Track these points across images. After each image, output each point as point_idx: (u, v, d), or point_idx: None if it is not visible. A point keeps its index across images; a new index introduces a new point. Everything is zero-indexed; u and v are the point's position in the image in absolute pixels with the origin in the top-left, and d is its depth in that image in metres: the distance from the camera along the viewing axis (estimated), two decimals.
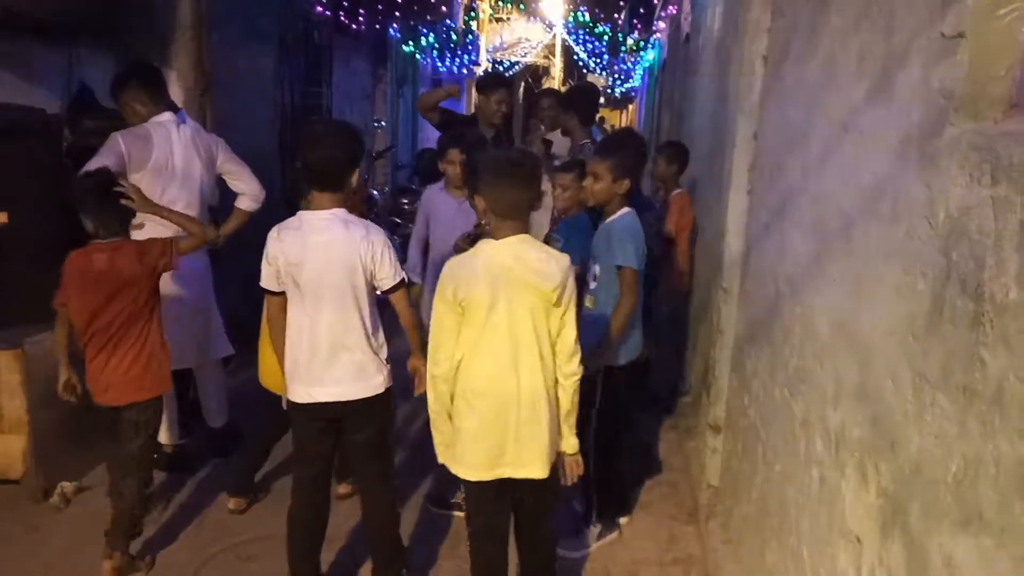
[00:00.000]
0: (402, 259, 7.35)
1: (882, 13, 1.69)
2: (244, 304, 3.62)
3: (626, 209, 3.04)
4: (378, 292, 2.59)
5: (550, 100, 5.00)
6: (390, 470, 2.80)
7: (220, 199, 3.94)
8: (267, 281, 2.53)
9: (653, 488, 3.76)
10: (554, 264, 2.27)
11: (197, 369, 3.84)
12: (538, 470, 2.33)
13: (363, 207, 3.43)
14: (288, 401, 2.63)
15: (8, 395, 3.31)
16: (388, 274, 2.55)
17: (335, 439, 2.69)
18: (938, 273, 1.33)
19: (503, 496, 2.41)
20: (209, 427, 3.93)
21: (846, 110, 1.89)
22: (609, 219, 3.05)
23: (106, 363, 2.84)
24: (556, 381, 2.35)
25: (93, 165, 3.31)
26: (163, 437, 3.71)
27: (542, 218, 3.54)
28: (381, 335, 2.64)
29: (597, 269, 3.05)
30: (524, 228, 2.30)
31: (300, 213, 2.53)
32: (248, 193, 3.74)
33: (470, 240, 3.20)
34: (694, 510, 3.51)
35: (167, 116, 3.53)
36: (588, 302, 3.06)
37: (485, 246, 2.30)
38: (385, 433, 2.73)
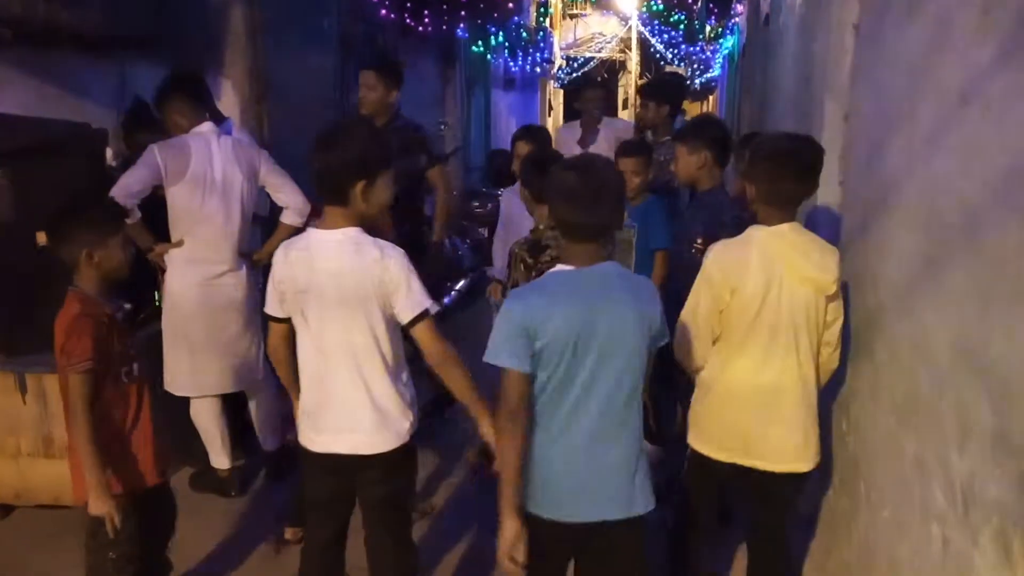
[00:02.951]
0: (474, 263, 7.21)
1: None
2: None
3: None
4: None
5: (595, 92, 5.08)
6: (409, 530, 2.39)
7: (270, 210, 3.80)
8: (270, 306, 2.21)
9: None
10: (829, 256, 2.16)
11: (248, 392, 3.70)
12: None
13: (389, 224, 2.95)
14: (300, 447, 2.27)
15: (57, 421, 3.21)
16: (407, 304, 2.06)
17: (353, 498, 2.27)
18: None
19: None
20: (263, 450, 3.78)
21: (965, 77, 1.50)
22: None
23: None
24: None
25: (127, 177, 3.20)
26: (216, 462, 3.59)
27: None
28: (406, 374, 2.21)
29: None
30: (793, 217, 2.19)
31: (309, 231, 2.15)
32: (292, 207, 3.55)
33: (527, 246, 2.92)
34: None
35: (207, 127, 3.40)
36: None
37: (756, 232, 2.18)
38: (407, 492, 2.31)
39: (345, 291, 2.05)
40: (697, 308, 2.23)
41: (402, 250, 2.10)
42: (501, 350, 1.77)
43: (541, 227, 2.96)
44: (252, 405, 3.74)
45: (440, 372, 2.12)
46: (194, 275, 3.40)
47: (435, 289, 2.58)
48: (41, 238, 3.24)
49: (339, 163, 2.02)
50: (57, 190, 3.26)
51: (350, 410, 2.13)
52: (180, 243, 3.38)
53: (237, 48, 4.72)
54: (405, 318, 2.07)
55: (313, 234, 2.12)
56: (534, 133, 4.10)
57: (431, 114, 9.93)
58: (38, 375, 3.18)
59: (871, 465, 2.10)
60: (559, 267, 1.88)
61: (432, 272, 3.73)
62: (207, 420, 3.54)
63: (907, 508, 1.73)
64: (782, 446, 2.21)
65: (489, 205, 8.54)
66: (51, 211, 2.33)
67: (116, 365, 2.30)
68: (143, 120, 4.24)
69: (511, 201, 3.69)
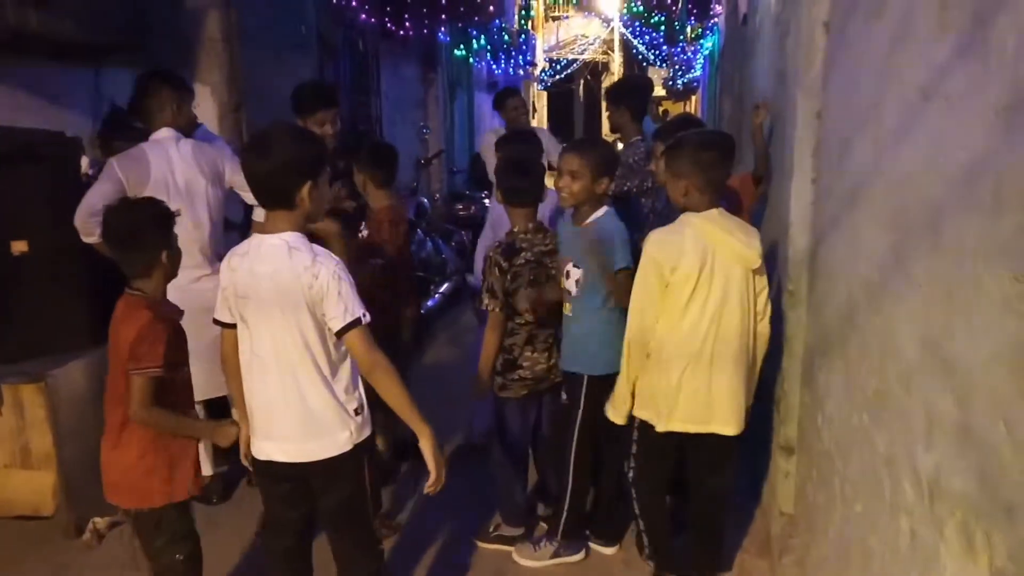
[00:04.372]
0: (456, 266, 7.17)
1: None
2: None
3: (606, 208, 2.90)
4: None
5: (517, 100, 5.15)
6: (370, 537, 2.34)
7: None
8: (219, 311, 2.20)
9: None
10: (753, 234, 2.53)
11: None
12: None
13: (337, 225, 2.91)
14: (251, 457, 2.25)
15: (34, 430, 3.20)
16: (337, 313, 2.01)
17: (307, 506, 2.26)
18: None
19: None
20: None
21: (926, 73, 1.51)
22: (591, 219, 2.85)
23: (103, 445, 2.37)
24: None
25: (91, 196, 3.17)
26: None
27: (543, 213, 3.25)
28: (348, 382, 2.16)
29: (580, 275, 2.83)
30: (719, 203, 2.53)
31: (253, 236, 2.13)
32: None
33: (502, 250, 2.92)
34: (766, 541, 3.12)
35: (164, 133, 3.37)
36: (567, 309, 2.92)
37: (689, 218, 2.50)
38: (357, 500, 2.25)
39: (278, 296, 2.02)
40: (647, 280, 2.51)
41: (337, 259, 2.07)
42: None
43: (516, 230, 2.96)
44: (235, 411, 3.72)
45: (371, 381, 2.10)
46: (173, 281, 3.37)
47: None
48: (17, 247, 3.24)
49: (284, 167, 1.99)
50: (30, 199, 3.25)
51: (285, 417, 2.11)
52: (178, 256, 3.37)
53: (213, 55, 4.68)
54: (335, 326, 2.04)
55: (255, 239, 2.10)
56: (526, 138, 4.05)
57: (413, 117, 9.92)
58: (14, 386, 3.16)
59: (845, 460, 2.11)
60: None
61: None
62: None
63: (878, 502, 1.74)
64: (727, 410, 2.55)
65: (472, 208, 8.55)
66: (116, 220, 2.29)
67: (174, 369, 2.33)
68: (119, 127, 4.22)
69: (495, 206, 3.68)
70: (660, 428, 2.60)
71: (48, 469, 3.21)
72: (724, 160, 2.53)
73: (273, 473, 2.20)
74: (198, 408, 3.45)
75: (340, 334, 2.05)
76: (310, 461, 2.13)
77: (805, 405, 2.81)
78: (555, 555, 3.03)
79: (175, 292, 3.35)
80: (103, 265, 3.50)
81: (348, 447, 2.14)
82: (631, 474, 2.78)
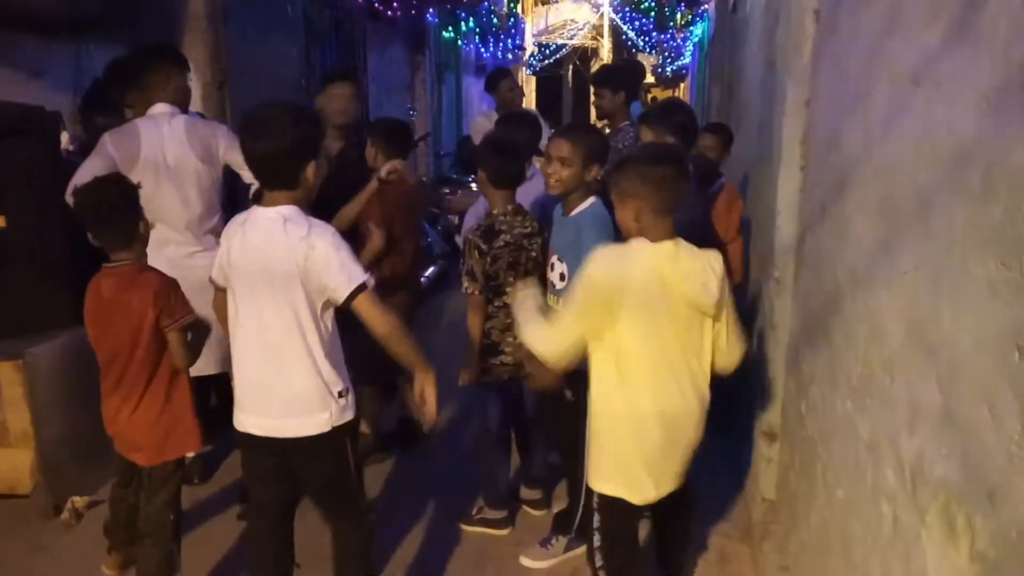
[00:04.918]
0: (443, 250, 7.12)
1: None
2: None
3: (593, 199, 2.67)
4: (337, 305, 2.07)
5: (511, 82, 5.08)
6: (357, 510, 2.33)
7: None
8: (214, 272, 2.21)
9: (704, 497, 3.40)
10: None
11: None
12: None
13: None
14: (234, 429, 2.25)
15: (11, 407, 3.15)
16: (340, 280, 1.99)
17: (289, 483, 2.24)
18: None
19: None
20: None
21: (916, 58, 1.51)
22: (577, 209, 2.67)
23: (118, 411, 2.46)
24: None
25: (82, 170, 3.12)
26: None
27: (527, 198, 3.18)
28: (333, 361, 2.13)
29: (565, 268, 2.66)
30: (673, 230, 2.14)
31: (253, 208, 2.13)
32: (257, 185, 3.50)
33: (481, 232, 2.88)
34: (748, 527, 3.14)
35: (159, 108, 3.31)
36: (552, 301, 2.69)
37: (641, 248, 2.12)
38: (342, 476, 2.24)
39: (268, 270, 2.02)
40: (579, 300, 2.15)
41: (332, 228, 2.07)
42: None
43: (495, 212, 2.92)
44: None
45: (388, 344, 2.09)
46: (161, 256, 3.32)
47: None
48: (0, 222, 3.18)
49: (290, 147, 1.99)
50: (9, 173, 3.19)
51: (265, 392, 2.11)
52: (150, 226, 3.32)
53: (197, 32, 4.62)
54: (342, 295, 2.02)
55: (253, 210, 2.11)
56: (529, 120, 3.84)
57: (400, 100, 9.84)
58: None
59: (828, 447, 2.12)
60: None
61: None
62: None
63: (860, 488, 1.75)
64: (684, 464, 2.28)
65: (459, 192, 8.50)
66: (90, 199, 2.40)
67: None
68: (101, 103, 4.15)
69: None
70: (636, 500, 2.27)
71: (26, 447, 3.18)
72: (679, 176, 2.15)
73: (255, 447, 2.18)
74: None
75: (348, 301, 2.02)
76: (288, 438, 2.11)
77: (789, 392, 2.82)
78: (567, 549, 2.95)
79: (167, 267, 3.31)
80: (84, 242, 3.48)
81: (327, 428, 2.11)
82: (599, 560, 2.35)
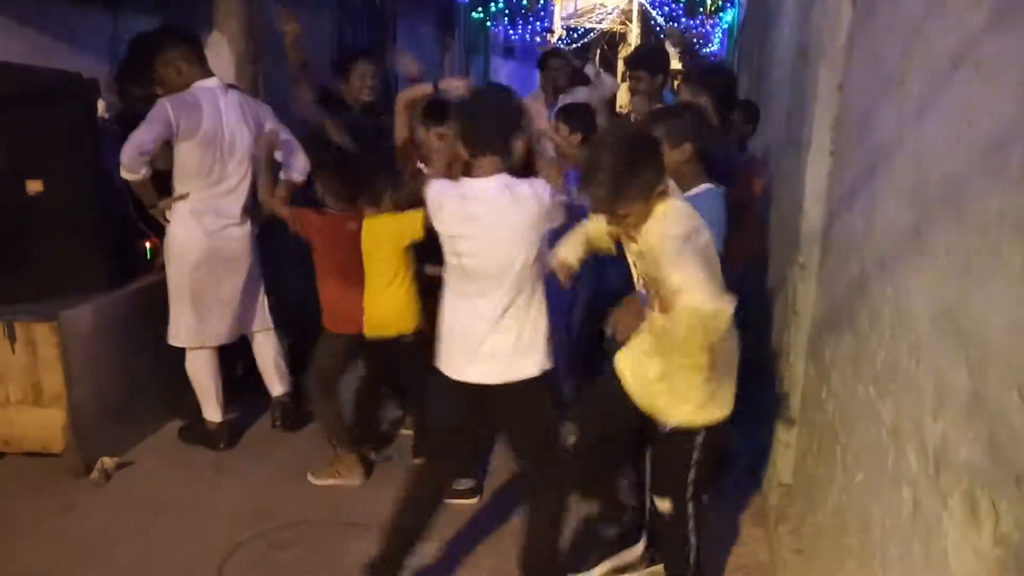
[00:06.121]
0: None
1: None
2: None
3: (705, 186, 2.48)
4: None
5: (560, 61, 5.11)
6: (551, 456, 2.46)
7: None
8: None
9: (720, 481, 3.41)
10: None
11: (255, 339, 3.74)
12: None
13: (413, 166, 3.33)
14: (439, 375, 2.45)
15: (46, 368, 3.23)
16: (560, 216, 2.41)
17: (482, 427, 2.53)
18: None
19: None
20: (273, 397, 3.77)
21: (957, 40, 1.50)
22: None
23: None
24: None
25: (142, 134, 3.17)
26: (209, 414, 3.61)
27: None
28: (542, 308, 2.42)
29: None
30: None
31: (463, 180, 2.36)
32: (298, 165, 3.53)
33: None
34: (763, 510, 3.16)
35: (213, 82, 3.34)
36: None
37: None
38: (549, 417, 2.48)
39: (501, 231, 2.28)
40: (689, 256, 1.99)
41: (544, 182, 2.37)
42: None
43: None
44: (259, 351, 3.75)
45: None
46: (199, 227, 3.37)
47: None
48: (32, 186, 3.25)
49: (509, 119, 2.35)
50: (46, 138, 3.25)
51: (498, 340, 2.35)
52: (185, 196, 3.36)
53: (232, 4, 4.63)
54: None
55: (464, 183, 2.34)
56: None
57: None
58: (27, 324, 3.19)
59: (848, 432, 2.12)
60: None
61: None
62: (203, 372, 3.56)
63: (880, 472, 1.76)
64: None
65: None
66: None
67: None
68: (137, 73, 4.19)
69: None
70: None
71: (59, 407, 3.26)
72: (650, 160, 2.07)
73: (461, 392, 2.41)
74: (210, 353, 3.56)
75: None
76: (511, 381, 2.35)
77: (810, 377, 2.82)
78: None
79: (201, 239, 3.37)
80: (119, 208, 3.54)
81: (536, 372, 2.39)
82: (691, 491, 2.38)
